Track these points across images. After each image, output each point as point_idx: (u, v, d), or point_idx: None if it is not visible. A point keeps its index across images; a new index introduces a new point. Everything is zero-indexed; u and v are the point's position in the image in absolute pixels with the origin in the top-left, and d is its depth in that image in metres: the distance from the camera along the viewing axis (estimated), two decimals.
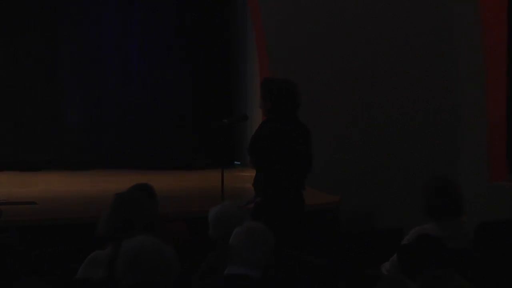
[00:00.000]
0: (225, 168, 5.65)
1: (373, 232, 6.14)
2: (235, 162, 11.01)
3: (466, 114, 7.33)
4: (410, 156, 7.90)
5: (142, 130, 11.05)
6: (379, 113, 8.14)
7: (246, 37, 11.15)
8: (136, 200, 3.82)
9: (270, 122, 5.38)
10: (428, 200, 4.33)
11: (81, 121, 10.93)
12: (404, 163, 8.02)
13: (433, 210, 4.30)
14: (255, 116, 8.55)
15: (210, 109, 10.90)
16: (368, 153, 8.22)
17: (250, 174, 5.51)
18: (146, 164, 10.68)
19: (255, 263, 3.47)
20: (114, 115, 11.05)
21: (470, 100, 7.28)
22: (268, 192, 5.27)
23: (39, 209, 7.22)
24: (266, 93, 5.43)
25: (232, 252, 3.51)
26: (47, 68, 10.77)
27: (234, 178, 8.72)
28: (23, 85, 10.60)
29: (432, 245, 3.38)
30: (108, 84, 11.05)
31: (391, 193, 7.98)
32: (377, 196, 8.05)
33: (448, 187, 4.33)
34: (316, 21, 8.55)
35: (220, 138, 5.74)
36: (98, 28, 10.92)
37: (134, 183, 4.79)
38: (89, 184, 9.30)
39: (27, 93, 10.62)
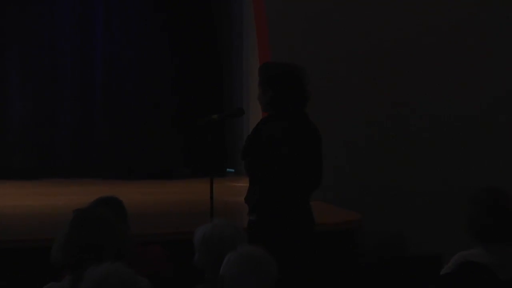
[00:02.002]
0: (215, 176, 5.66)
1: (405, 259, 6.16)
2: (228, 169, 11.01)
3: None
4: (453, 166, 7.90)
5: (108, 129, 11.04)
6: (411, 113, 8.15)
7: (241, 11, 11.15)
8: (100, 218, 3.81)
9: (270, 120, 5.37)
10: (476, 218, 4.32)
11: (30, 119, 10.91)
12: (444, 173, 8.02)
13: (482, 232, 4.30)
14: (253, 112, 8.55)
15: (196, 102, 10.89)
16: (398, 161, 8.21)
17: (246, 184, 5.52)
18: (114, 172, 10.68)
19: None
20: (72, 111, 11.03)
21: None
22: (265, 209, 5.26)
23: None
24: (265, 82, 5.42)
25: (224, 284, 3.50)
26: None
27: (226, 190, 8.73)
28: None
29: (479, 275, 3.38)
30: (66, 72, 11.03)
31: (427, 210, 7.97)
32: (409, 214, 8.04)
33: (502, 202, 4.33)
34: None
35: (209, 138, 5.74)
36: (53, 10, 10.94)
37: (98, 196, 4.80)
38: (41, 197, 9.28)
39: None
